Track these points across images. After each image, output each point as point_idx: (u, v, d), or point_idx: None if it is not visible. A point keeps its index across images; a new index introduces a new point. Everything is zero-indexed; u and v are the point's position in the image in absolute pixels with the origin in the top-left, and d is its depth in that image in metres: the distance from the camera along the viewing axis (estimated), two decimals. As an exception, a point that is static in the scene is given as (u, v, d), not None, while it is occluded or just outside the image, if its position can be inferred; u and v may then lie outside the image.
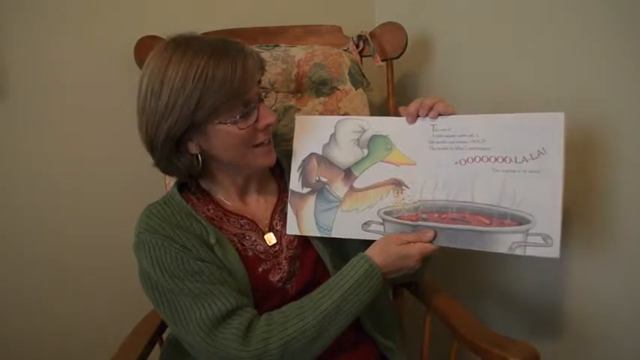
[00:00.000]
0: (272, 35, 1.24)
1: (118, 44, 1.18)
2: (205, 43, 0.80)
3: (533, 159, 0.79)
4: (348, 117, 0.94)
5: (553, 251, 0.77)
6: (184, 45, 0.80)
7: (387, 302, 1.02)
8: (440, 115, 0.86)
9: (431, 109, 0.86)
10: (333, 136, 0.92)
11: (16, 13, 1.12)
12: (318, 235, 0.90)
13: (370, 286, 0.81)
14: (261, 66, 0.88)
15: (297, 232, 0.91)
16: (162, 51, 0.81)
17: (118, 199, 1.24)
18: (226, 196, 0.93)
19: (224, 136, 0.82)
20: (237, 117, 0.81)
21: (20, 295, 1.20)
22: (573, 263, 0.99)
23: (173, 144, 0.82)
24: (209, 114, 0.79)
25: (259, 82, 0.87)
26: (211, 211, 0.91)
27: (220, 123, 0.81)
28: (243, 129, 0.82)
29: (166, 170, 0.88)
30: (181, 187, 0.93)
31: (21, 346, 1.20)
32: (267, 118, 0.85)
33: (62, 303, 1.23)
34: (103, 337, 1.06)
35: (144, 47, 1.15)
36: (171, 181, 1.08)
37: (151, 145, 0.84)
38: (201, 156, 0.86)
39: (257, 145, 0.86)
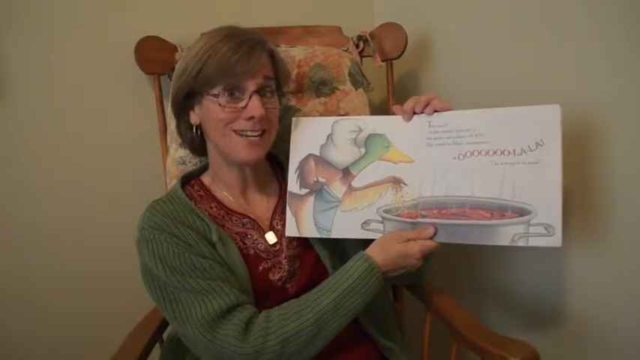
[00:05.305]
0: (272, 35, 1.23)
1: (118, 44, 1.19)
2: (227, 29, 0.87)
3: (531, 150, 0.80)
4: (345, 117, 0.95)
5: (555, 240, 0.77)
6: (213, 30, 0.88)
7: (387, 302, 1.02)
8: (436, 111, 0.87)
9: (427, 105, 0.87)
10: (330, 137, 0.92)
11: (16, 13, 1.13)
12: (318, 236, 0.90)
13: (369, 285, 0.81)
14: (274, 62, 0.91)
15: (296, 234, 0.91)
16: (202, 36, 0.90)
17: (118, 199, 1.24)
18: (228, 192, 0.94)
19: (207, 108, 0.86)
20: (225, 95, 0.84)
21: (20, 294, 1.20)
22: (573, 263, 0.99)
23: (179, 106, 0.91)
24: (203, 84, 0.85)
25: (268, 76, 0.88)
26: (214, 209, 0.91)
27: (208, 95, 0.85)
28: (224, 107, 0.84)
29: (180, 135, 0.97)
30: (184, 184, 0.94)
31: (21, 345, 1.20)
32: (253, 110, 0.84)
33: (62, 302, 1.23)
34: (103, 337, 1.06)
35: (144, 47, 1.16)
36: (171, 182, 1.09)
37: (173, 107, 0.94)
38: (199, 131, 0.92)
39: (238, 133, 0.85)
